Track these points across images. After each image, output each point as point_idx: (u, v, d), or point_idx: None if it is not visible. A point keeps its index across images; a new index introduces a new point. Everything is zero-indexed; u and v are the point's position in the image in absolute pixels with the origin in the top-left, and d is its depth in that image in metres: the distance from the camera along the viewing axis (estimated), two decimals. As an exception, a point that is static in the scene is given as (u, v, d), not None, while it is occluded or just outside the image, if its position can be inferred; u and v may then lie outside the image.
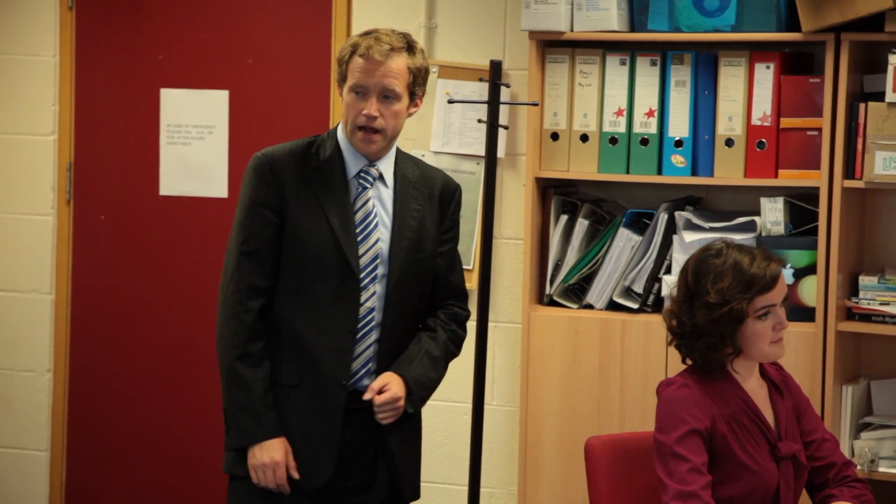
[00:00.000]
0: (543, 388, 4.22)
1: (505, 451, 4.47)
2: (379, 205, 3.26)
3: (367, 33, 3.21)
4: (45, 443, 4.88)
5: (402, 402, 3.26)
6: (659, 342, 3.96)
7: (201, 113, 4.74)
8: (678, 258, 4.08)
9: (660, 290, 4.15)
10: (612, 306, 4.23)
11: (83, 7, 4.80)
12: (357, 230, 3.21)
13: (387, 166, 3.29)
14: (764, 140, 4.07)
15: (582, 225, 4.27)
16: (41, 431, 4.87)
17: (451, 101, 4.19)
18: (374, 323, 3.24)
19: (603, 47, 4.23)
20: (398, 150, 3.34)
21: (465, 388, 4.37)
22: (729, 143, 4.11)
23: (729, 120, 4.11)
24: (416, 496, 3.44)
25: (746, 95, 4.09)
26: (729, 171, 4.11)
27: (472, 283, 4.40)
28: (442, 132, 4.47)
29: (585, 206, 4.30)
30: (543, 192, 4.34)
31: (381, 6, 4.55)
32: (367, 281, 3.21)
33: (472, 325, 4.36)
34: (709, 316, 3.08)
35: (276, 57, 4.67)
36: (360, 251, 3.20)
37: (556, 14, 4.18)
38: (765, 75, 4.07)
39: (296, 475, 3.19)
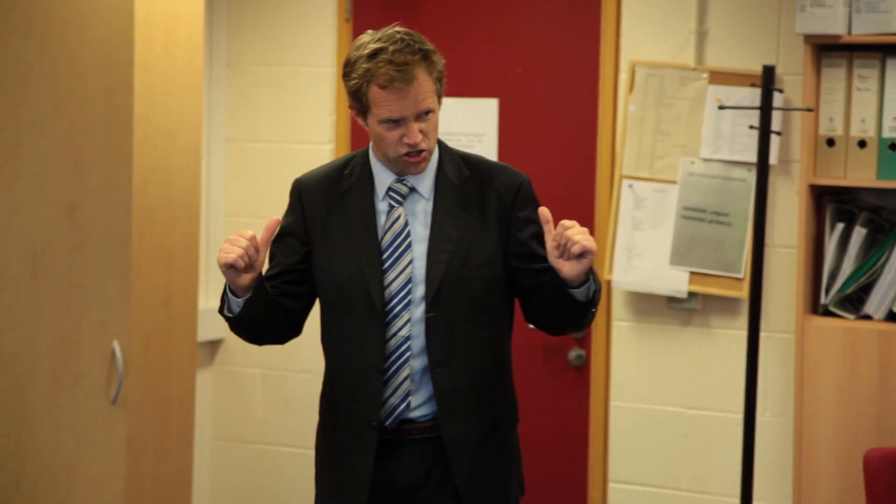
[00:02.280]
0: (819, 401, 4.12)
1: (778, 464, 4.38)
2: (414, 220, 2.97)
3: (373, 55, 2.86)
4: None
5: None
6: (941, 355, 3.82)
7: (471, 121, 4.81)
8: (962, 268, 3.93)
9: (942, 300, 4.00)
10: (892, 317, 4.10)
11: (359, 19, 4.92)
12: (385, 255, 2.94)
13: (422, 176, 2.98)
14: None
15: (860, 233, 4.15)
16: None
17: (721, 108, 4.14)
18: (411, 352, 2.94)
19: (882, 51, 4.10)
20: (444, 149, 3.04)
21: (735, 398, 4.31)
22: None
23: None
24: None
25: None
26: None
27: (743, 292, 4.34)
28: (712, 139, 4.42)
29: (863, 214, 4.18)
30: (818, 200, 4.24)
31: (650, 13, 4.52)
32: (398, 308, 2.93)
33: (742, 335, 4.31)
34: None
35: (545, 65, 4.69)
36: (390, 277, 2.93)
37: (833, 17, 4.08)
38: None
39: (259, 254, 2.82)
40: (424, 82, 2.88)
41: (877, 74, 4.12)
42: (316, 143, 4.95)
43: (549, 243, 2.81)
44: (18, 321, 3.93)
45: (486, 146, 4.76)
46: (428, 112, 2.89)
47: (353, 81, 2.88)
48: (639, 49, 4.53)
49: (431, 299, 2.92)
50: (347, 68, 2.91)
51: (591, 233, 4.55)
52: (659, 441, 4.54)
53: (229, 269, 2.80)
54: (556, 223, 2.91)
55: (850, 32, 4.09)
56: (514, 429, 3.11)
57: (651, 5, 4.52)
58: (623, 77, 4.54)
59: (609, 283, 4.55)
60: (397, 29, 2.93)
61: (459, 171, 3.01)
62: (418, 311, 2.93)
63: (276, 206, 4.96)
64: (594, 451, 4.63)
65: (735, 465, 4.27)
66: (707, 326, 4.48)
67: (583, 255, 2.77)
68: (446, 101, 4.80)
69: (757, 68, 4.24)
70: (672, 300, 4.49)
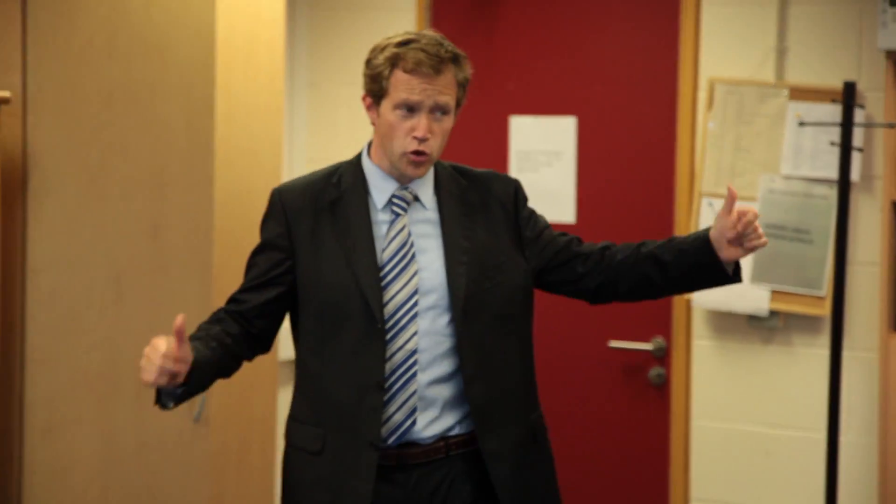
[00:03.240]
0: (902, 420, 4.08)
1: (863, 485, 4.33)
2: (418, 230, 2.88)
3: (405, 42, 2.81)
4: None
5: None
6: None
7: (549, 139, 4.81)
8: None
9: None
10: (977, 335, 4.05)
11: (437, 39, 4.95)
12: (388, 266, 2.83)
13: (424, 187, 2.91)
14: None
15: (943, 250, 4.11)
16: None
17: (801, 124, 4.12)
18: (419, 366, 2.82)
19: (966, 65, 4.07)
20: (436, 162, 2.96)
21: (818, 417, 4.26)
22: None
23: None
24: None
25: None
26: None
27: (825, 310, 4.30)
28: (793, 155, 4.38)
29: (947, 231, 4.13)
30: (901, 217, 4.20)
31: (729, 29, 4.50)
32: (404, 321, 2.81)
33: (824, 353, 4.27)
34: None
35: (624, 82, 4.69)
36: (394, 290, 2.82)
37: (915, 32, 4.05)
38: None
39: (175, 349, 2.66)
40: (450, 80, 2.82)
41: (961, 89, 4.08)
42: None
43: (727, 222, 2.81)
44: (103, 340, 3.98)
45: (564, 164, 4.76)
46: (444, 111, 2.82)
47: (377, 63, 2.83)
48: (718, 66, 4.51)
49: (461, 311, 2.83)
50: (372, 53, 2.86)
51: (671, 251, 4.54)
52: (741, 460, 4.51)
53: (154, 385, 2.66)
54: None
55: (933, 47, 4.05)
56: (548, 437, 3.03)
57: (730, 22, 4.51)
58: (702, 94, 4.53)
59: (689, 301, 4.52)
60: (434, 31, 2.90)
61: (456, 181, 2.96)
62: (425, 322, 2.83)
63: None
64: (675, 471, 4.60)
65: (818, 485, 4.22)
66: (789, 345, 4.44)
67: (752, 249, 2.82)
68: (524, 119, 4.83)
69: (838, 84, 4.20)
70: (753, 318, 4.46)
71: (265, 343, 2.95)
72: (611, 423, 4.69)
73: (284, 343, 4.84)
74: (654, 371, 4.62)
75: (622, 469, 4.67)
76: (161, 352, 2.63)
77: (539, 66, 4.81)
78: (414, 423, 2.82)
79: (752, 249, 2.83)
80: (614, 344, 4.63)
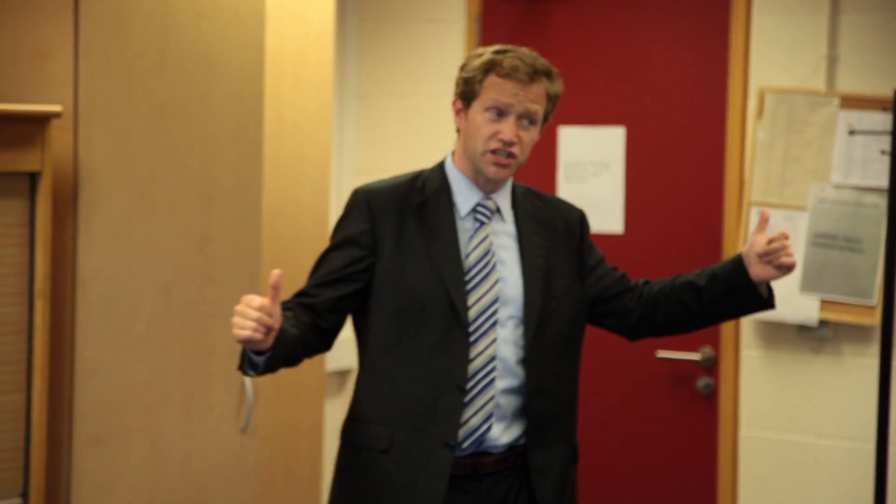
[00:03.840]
0: (954, 431, 4.03)
1: (912, 496, 4.29)
2: (499, 241, 2.95)
3: (501, 51, 2.90)
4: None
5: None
6: None
7: (598, 150, 4.80)
8: None
9: None
10: None
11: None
12: (472, 272, 2.89)
13: (503, 199, 2.98)
14: None
15: None
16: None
17: (851, 133, 4.10)
18: (496, 372, 2.87)
19: None
20: (512, 180, 3.04)
21: (868, 427, 4.23)
22: None
23: None
24: None
25: None
26: None
27: (875, 320, 4.26)
28: (843, 164, 4.36)
29: None
30: (953, 226, 4.16)
31: (779, 38, 4.48)
32: (486, 327, 2.87)
33: (874, 363, 4.24)
34: None
35: (673, 91, 4.67)
36: (477, 296, 2.87)
37: (967, 39, 4.01)
38: None
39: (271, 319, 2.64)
40: (541, 91, 2.91)
41: None
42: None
43: (760, 241, 2.91)
44: (152, 351, 4.02)
45: (612, 175, 4.76)
46: (531, 120, 2.90)
47: (472, 67, 2.91)
48: (768, 74, 4.49)
49: (535, 324, 2.90)
50: (468, 59, 2.95)
51: (719, 259, 4.52)
52: (790, 471, 4.47)
53: (248, 342, 2.64)
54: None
55: (984, 55, 4.02)
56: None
57: (780, 30, 4.48)
58: (752, 103, 4.51)
59: (738, 311, 4.50)
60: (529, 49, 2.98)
61: (531, 200, 3.04)
62: (504, 331, 2.89)
63: (404, 236, 5.03)
64: (723, 482, 4.58)
65: (867, 495, 4.19)
66: (839, 355, 4.41)
67: (782, 268, 2.91)
68: (572, 130, 4.83)
69: (889, 93, 4.17)
70: (802, 328, 4.43)
71: (329, 339, 2.94)
72: (658, 434, 4.67)
73: (333, 353, 4.87)
74: (702, 381, 4.60)
75: (670, 480, 4.65)
76: (256, 305, 2.61)
77: (588, 76, 4.81)
78: (489, 428, 2.87)
79: (780, 268, 2.91)
80: (662, 354, 4.61)
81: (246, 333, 2.60)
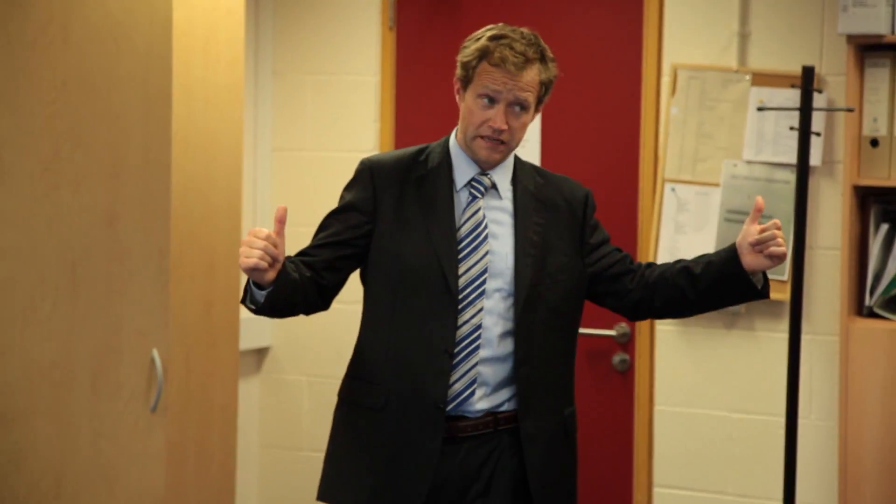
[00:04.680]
0: (863, 403, 4.07)
1: (824, 468, 4.33)
2: (492, 216, 3.05)
3: (497, 37, 2.99)
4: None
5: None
6: None
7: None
8: None
9: None
10: (937, 319, 4.05)
11: (403, 28, 4.93)
12: (463, 243, 3.01)
13: (502, 176, 3.08)
14: None
15: (904, 234, 4.10)
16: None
17: (760, 109, 4.12)
18: (480, 340, 2.99)
19: (926, 49, 4.06)
20: (517, 158, 3.15)
21: (780, 401, 4.25)
22: None
23: None
24: None
25: None
26: None
27: (787, 295, 4.29)
28: (755, 141, 4.38)
29: (908, 215, 4.12)
30: (863, 201, 4.19)
31: (692, 16, 4.49)
32: (473, 297, 2.99)
33: (786, 338, 4.27)
34: None
35: (588, 69, 4.67)
36: (467, 265, 3.00)
37: (876, 16, 4.03)
38: None
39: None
40: (532, 78, 2.98)
41: (920, 73, 4.07)
42: (360, 150, 4.96)
43: (752, 231, 3.00)
44: (58, 330, 3.97)
45: (529, 151, 4.75)
46: (522, 106, 2.99)
47: (468, 52, 3.02)
48: (681, 52, 4.50)
49: (523, 299, 3.00)
50: (467, 42, 3.04)
51: (635, 236, 4.53)
52: (704, 445, 4.50)
53: (254, 271, 2.80)
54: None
55: (893, 32, 4.04)
56: (576, 435, 3.20)
57: (693, 8, 4.49)
58: (665, 80, 4.52)
59: (653, 287, 4.51)
60: (529, 30, 3.06)
61: (533, 179, 3.13)
62: (490, 302, 3.00)
63: (322, 214, 4.98)
64: (639, 456, 4.60)
65: (780, 468, 4.22)
66: (751, 329, 4.44)
67: (773, 257, 2.99)
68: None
69: (799, 70, 4.19)
70: (716, 304, 4.45)
71: (327, 298, 3.06)
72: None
73: (250, 332, 4.84)
74: (618, 357, 4.61)
75: (586, 454, 4.65)
76: (263, 235, 2.78)
77: (504, 53, 4.79)
78: (472, 394, 2.99)
79: (771, 257, 2.99)
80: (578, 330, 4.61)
81: (252, 261, 2.77)
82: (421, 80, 4.92)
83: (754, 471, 4.44)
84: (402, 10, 4.91)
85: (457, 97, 3.08)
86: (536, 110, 3.06)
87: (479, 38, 3.02)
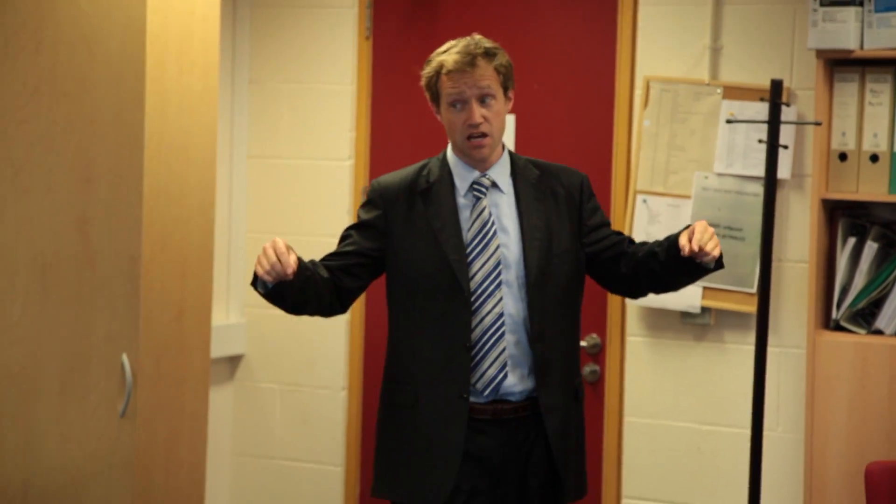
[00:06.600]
0: (830, 415, 4.09)
1: (791, 479, 4.35)
2: (498, 211, 3.34)
3: (443, 52, 3.32)
4: (340, 458, 5.03)
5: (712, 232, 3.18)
6: (951, 370, 3.78)
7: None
8: (973, 283, 3.89)
9: (954, 315, 3.96)
10: (903, 332, 4.07)
11: (379, 37, 4.95)
12: (473, 244, 3.30)
13: (500, 173, 3.37)
14: None
15: (871, 248, 4.13)
16: (336, 447, 5.03)
17: (728, 121, 4.15)
18: (506, 327, 3.28)
19: (895, 65, 4.08)
20: (512, 154, 3.42)
21: (747, 414, 4.27)
22: None
23: None
24: (582, 494, 3.49)
25: None
26: None
27: (755, 307, 4.31)
28: (726, 153, 4.40)
29: (875, 229, 4.15)
30: (831, 214, 4.22)
31: (665, 29, 4.52)
32: (491, 288, 3.27)
33: (752, 349, 4.29)
34: None
35: (561, 81, 4.70)
36: (479, 264, 3.29)
37: (846, 32, 4.06)
38: None
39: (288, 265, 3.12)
40: (485, 69, 3.28)
41: (889, 89, 4.10)
42: (336, 159, 4.98)
43: (683, 248, 3.15)
44: (27, 334, 3.97)
45: (503, 162, 4.76)
46: (488, 96, 3.27)
47: (427, 75, 3.33)
48: (654, 65, 4.53)
49: (533, 280, 3.27)
50: (424, 69, 3.34)
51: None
52: (673, 457, 4.52)
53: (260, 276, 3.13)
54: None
55: (862, 47, 4.08)
56: (583, 399, 3.46)
57: (666, 21, 4.53)
58: (638, 93, 4.54)
59: (623, 299, 4.53)
60: (475, 35, 3.37)
61: (530, 170, 3.40)
62: (510, 290, 3.28)
63: (296, 221, 5.02)
64: (608, 467, 4.61)
65: (745, 481, 4.23)
66: (721, 341, 4.46)
67: (711, 258, 3.18)
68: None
69: (769, 83, 4.22)
70: (686, 315, 4.48)
71: (346, 301, 3.37)
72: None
73: (224, 339, 4.85)
74: (588, 368, 4.63)
75: (556, 466, 4.67)
76: (281, 249, 3.09)
77: (479, 64, 4.80)
78: (505, 376, 3.28)
79: (710, 259, 3.19)
80: (549, 341, 4.63)
81: (259, 272, 3.12)
82: (396, 90, 4.94)
83: (723, 483, 4.46)
84: (378, 19, 4.94)
85: (438, 118, 3.36)
86: (508, 97, 3.34)
87: (430, 61, 3.33)
